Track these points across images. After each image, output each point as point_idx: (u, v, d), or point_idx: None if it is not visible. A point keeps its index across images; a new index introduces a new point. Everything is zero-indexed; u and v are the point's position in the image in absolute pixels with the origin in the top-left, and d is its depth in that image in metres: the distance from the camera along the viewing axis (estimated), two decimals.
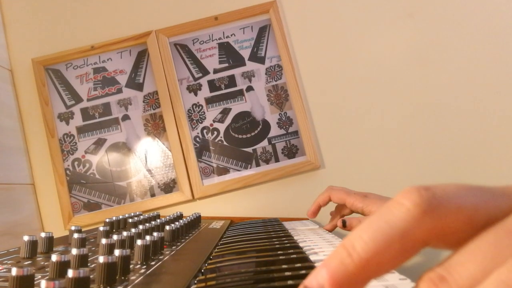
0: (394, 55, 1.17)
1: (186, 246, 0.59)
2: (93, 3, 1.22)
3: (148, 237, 0.49)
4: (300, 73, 1.17)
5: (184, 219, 0.74)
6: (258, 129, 1.16)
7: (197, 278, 0.41)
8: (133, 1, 1.22)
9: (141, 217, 0.80)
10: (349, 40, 1.18)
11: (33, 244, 0.51)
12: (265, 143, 1.15)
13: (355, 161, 1.13)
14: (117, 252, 0.39)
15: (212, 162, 1.14)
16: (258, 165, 1.14)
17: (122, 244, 0.50)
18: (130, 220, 0.74)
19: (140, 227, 0.60)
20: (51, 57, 1.19)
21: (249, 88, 1.17)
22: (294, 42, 1.18)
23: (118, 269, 0.39)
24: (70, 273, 0.31)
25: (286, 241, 0.57)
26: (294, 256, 0.46)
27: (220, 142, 1.15)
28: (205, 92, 1.17)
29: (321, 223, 1.01)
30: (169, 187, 1.15)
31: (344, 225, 0.70)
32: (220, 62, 1.19)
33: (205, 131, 1.16)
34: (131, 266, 0.42)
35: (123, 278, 0.39)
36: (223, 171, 1.14)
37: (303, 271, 0.38)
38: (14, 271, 0.32)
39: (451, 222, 0.18)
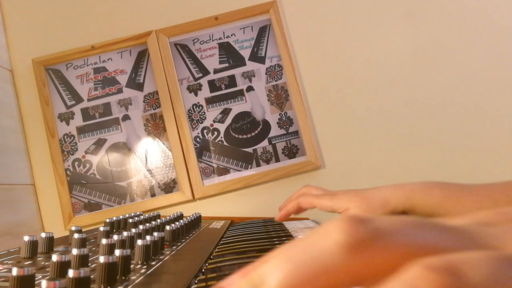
0: (394, 55, 1.17)
1: (187, 246, 0.59)
2: (93, 3, 1.22)
3: (148, 237, 0.49)
4: (300, 73, 1.17)
5: (185, 219, 0.74)
6: (259, 129, 1.15)
7: (198, 278, 0.41)
8: (133, 1, 1.22)
9: (142, 217, 0.81)
10: (350, 40, 1.18)
11: (33, 244, 0.51)
12: (265, 143, 1.15)
13: (356, 161, 1.13)
14: (117, 252, 0.39)
15: (212, 162, 1.14)
16: (258, 165, 1.14)
17: (122, 244, 0.50)
18: (130, 220, 0.74)
19: (141, 227, 0.60)
20: (52, 57, 1.19)
21: (249, 88, 1.17)
22: (294, 42, 1.18)
23: (119, 269, 0.39)
24: (71, 273, 0.31)
25: (286, 241, 0.57)
26: None
27: (220, 142, 1.15)
28: (205, 92, 1.17)
29: (322, 222, 1.01)
30: (169, 187, 1.15)
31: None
32: (220, 62, 1.19)
33: (205, 131, 1.16)
34: (131, 266, 0.42)
35: (123, 278, 0.39)
36: (224, 171, 1.14)
37: None
38: (14, 271, 0.32)
39: (381, 263, 0.15)
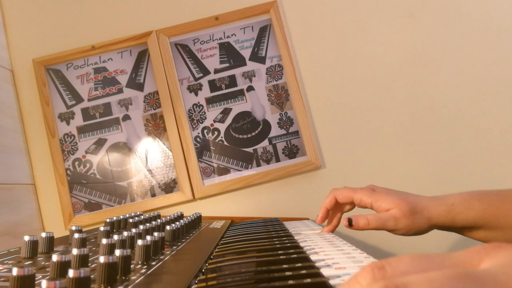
0: (394, 55, 1.17)
1: (187, 246, 0.59)
2: (94, 3, 1.22)
3: (148, 237, 0.49)
4: (300, 73, 1.17)
5: (185, 219, 0.74)
6: (259, 129, 1.15)
7: (198, 278, 0.41)
8: (133, 1, 1.22)
9: (142, 217, 0.81)
10: (350, 40, 1.18)
11: (33, 244, 0.51)
12: (265, 143, 1.15)
13: (356, 161, 1.13)
14: (117, 252, 0.39)
15: (212, 162, 1.14)
16: (258, 165, 1.14)
17: (122, 244, 0.50)
18: (130, 220, 0.74)
19: (141, 227, 0.60)
20: (52, 57, 1.19)
21: (250, 88, 1.17)
22: (294, 42, 1.18)
23: (119, 269, 0.39)
24: (71, 273, 0.31)
25: (286, 241, 0.57)
26: (295, 256, 0.46)
27: (220, 142, 1.15)
28: (205, 92, 1.17)
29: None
30: (169, 187, 1.15)
31: (350, 223, 0.65)
32: (221, 62, 1.19)
33: (205, 131, 1.16)
34: (131, 266, 0.42)
35: (123, 278, 0.39)
36: (224, 171, 1.14)
37: (304, 271, 0.38)
38: (15, 271, 0.32)
39: None
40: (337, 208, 0.74)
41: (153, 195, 1.14)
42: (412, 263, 0.22)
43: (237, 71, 1.18)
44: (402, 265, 0.22)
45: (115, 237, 0.50)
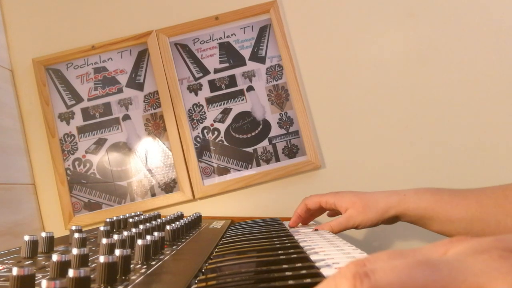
0: (394, 55, 1.17)
1: (187, 246, 0.59)
2: (94, 3, 1.22)
3: (148, 237, 0.49)
4: (300, 73, 1.17)
5: (185, 219, 0.74)
6: (259, 129, 1.15)
7: (198, 278, 0.41)
8: (133, 1, 1.22)
9: (142, 217, 0.81)
10: (350, 40, 1.18)
11: (33, 244, 0.51)
12: (265, 143, 1.15)
13: (356, 161, 1.13)
14: (117, 252, 0.39)
15: (212, 162, 1.14)
16: (258, 165, 1.14)
17: (122, 244, 0.50)
18: (130, 220, 0.74)
19: (141, 227, 0.60)
20: (52, 57, 1.19)
21: (250, 88, 1.17)
22: (294, 42, 1.18)
23: (119, 269, 0.39)
24: (71, 272, 0.31)
25: (286, 241, 0.57)
26: (295, 255, 0.46)
27: (220, 142, 1.15)
28: (205, 92, 1.17)
29: (322, 222, 1.01)
30: (169, 187, 1.15)
31: None
32: (221, 62, 1.19)
33: (205, 131, 1.16)
34: (131, 266, 0.42)
35: (123, 277, 0.39)
36: (224, 171, 1.14)
37: (304, 271, 0.38)
38: (15, 271, 0.32)
39: None
40: (312, 215, 0.87)
41: (153, 195, 1.14)
42: (388, 259, 0.23)
43: (237, 71, 1.18)
44: (379, 261, 0.22)
45: (115, 237, 0.50)
